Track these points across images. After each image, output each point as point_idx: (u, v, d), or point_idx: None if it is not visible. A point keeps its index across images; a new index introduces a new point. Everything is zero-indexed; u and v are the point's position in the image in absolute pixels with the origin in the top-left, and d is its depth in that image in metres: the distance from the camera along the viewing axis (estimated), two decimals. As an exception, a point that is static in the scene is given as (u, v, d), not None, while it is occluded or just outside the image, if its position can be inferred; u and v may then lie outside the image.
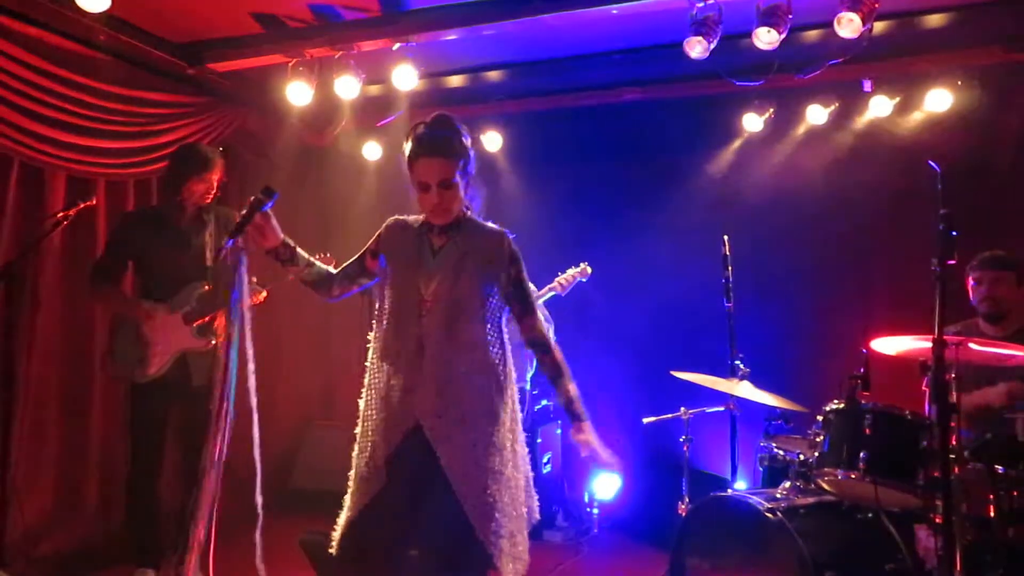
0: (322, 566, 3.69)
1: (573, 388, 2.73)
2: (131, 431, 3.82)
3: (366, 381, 2.67)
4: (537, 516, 2.81)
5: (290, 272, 2.69)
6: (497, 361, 2.63)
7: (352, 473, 2.64)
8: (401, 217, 2.73)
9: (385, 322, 2.65)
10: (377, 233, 2.73)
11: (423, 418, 2.53)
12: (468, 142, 2.61)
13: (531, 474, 2.81)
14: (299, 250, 2.67)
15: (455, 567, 2.53)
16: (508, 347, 2.70)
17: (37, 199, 4.15)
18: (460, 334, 2.57)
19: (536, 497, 2.82)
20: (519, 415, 2.75)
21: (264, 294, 3.87)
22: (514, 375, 2.72)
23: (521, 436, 2.77)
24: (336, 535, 2.60)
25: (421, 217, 2.69)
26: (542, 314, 4.45)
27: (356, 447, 2.65)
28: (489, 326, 2.63)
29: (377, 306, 2.72)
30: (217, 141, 4.88)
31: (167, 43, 4.45)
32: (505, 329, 2.70)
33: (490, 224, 2.70)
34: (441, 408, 2.54)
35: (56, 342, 4.29)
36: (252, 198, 2.48)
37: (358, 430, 2.66)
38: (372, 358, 2.68)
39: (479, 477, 2.52)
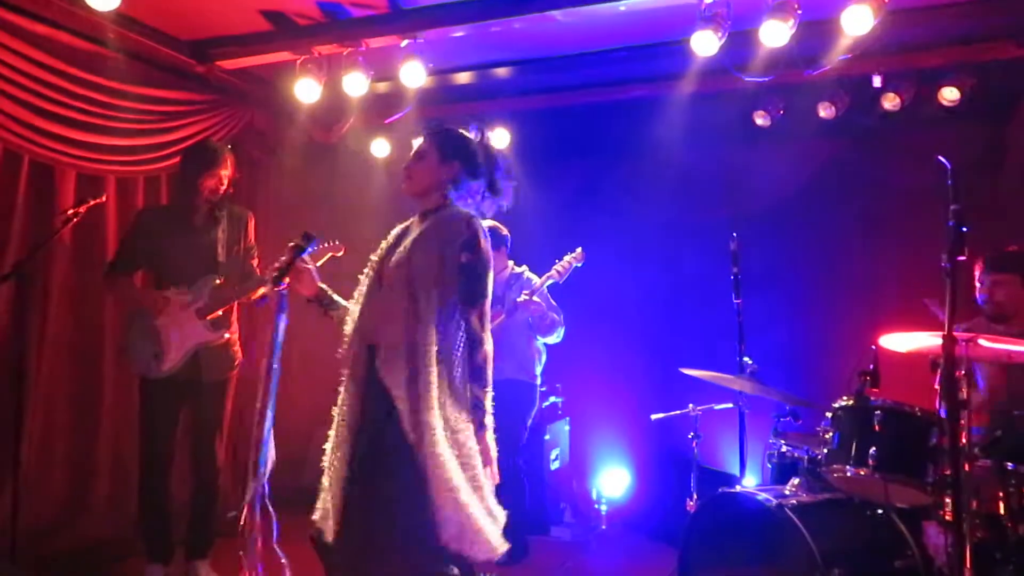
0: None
1: (480, 394, 2.60)
2: (142, 426, 3.84)
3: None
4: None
5: (332, 316, 2.82)
6: (435, 338, 2.55)
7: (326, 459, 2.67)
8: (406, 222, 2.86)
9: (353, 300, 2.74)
10: None
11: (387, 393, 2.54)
12: (458, 142, 2.76)
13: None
14: (335, 296, 2.81)
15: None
16: (457, 329, 2.63)
17: (47, 196, 4.17)
18: (411, 312, 2.55)
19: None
20: (458, 408, 2.59)
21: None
22: (457, 357, 2.62)
23: (461, 426, 2.58)
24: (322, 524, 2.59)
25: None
26: (550, 305, 4.47)
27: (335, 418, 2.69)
28: (441, 308, 2.58)
29: None
30: (226, 138, 4.90)
31: (176, 41, 4.46)
32: (458, 314, 2.64)
33: (464, 210, 2.72)
34: (394, 385, 2.52)
35: (66, 339, 4.31)
36: (292, 244, 2.65)
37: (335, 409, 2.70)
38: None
39: (415, 459, 2.49)
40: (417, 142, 2.81)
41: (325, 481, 2.65)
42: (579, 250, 4.50)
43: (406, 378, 2.52)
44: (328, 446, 2.69)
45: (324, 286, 2.81)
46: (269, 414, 2.58)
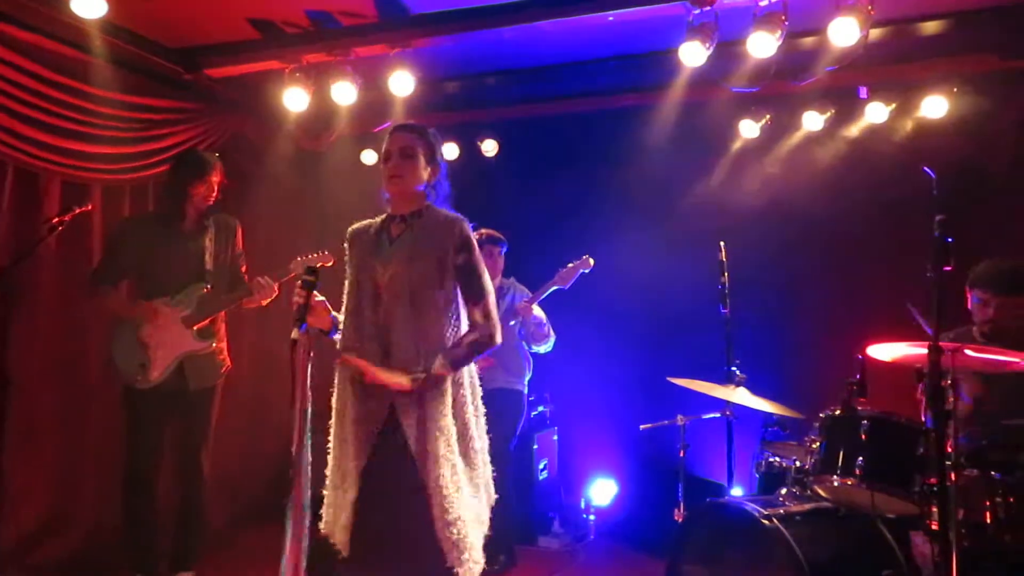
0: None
1: (453, 355, 2.64)
2: (128, 436, 3.81)
3: (336, 376, 2.75)
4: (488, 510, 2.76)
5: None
6: (449, 336, 2.67)
7: (330, 467, 2.72)
8: (361, 223, 2.88)
9: (345, 313, 2.74)
10: (347, 258, 2.86)
11: (396, 401, 2.60)
12: (438, 144, 2.84)
13: (488, 469, 2.77)
14: (339, 316, 2.80)
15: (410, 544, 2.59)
16: (463, 325, 2.74)
17: (32, 204, 4.14)
18: (417, 319, 2.62)
19: (492, 496, 2.78)
20: (471, 405, 2.74)
21: (275, 288, 3.89)
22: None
23: (474, 425, 2.74)
24: (336, 535, 2.65)
25: (382, 217, 2.84)
26: (540, 317, 4.46)
27: (332, 438, 2.73)
28: (446, 311, 2.67)
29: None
30: (214, 147, 4.87)
31: (164, 49, 4.45)
32: (463, 315, 2.74)
33: (449, 212, 2.80)
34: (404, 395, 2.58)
35: (51, 348, 4.27)
36: (301, 281, 2.62)
37: (332, 423, 2.74)
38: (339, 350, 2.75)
39: (429, 461, 2.57)
40: (400, 138, 2.78)
41: (330, 492, 2.69)
42: (586, 256, 4.50)
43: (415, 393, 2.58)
44: (331, 458, 2.72)
45: (335, 314, 2.80)
46: (307, 455, 2.57)
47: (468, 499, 2.62)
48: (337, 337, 2.78)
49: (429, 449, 2.56)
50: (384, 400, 2.61)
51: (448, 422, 2.61)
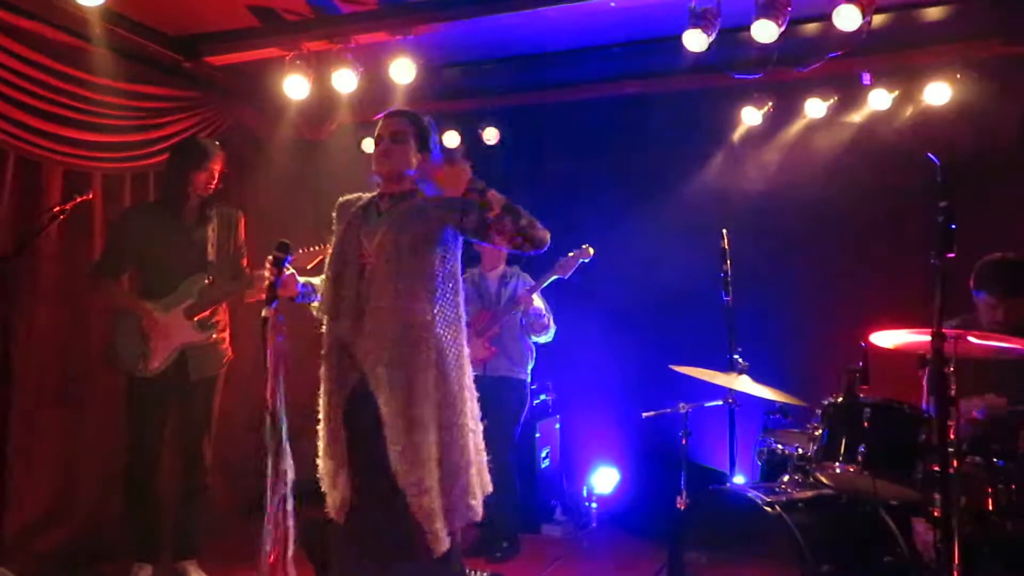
0: (313, 551, 3.68)
1: (515, 207, 2.72)
2: (130, 425, 3.82)
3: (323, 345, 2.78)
4: (486, 484, 2.79)
5: (312, 305, 2.89)
6: (436, 312, 2.68)
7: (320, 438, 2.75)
8: (350, 195, 2.94)
9: (325, 281, 2.79)
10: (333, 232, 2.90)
11: (367, 368, 2.63)
12: (432, 132, 2.87)
13: (480, 441, 2.78)
14: (312, 281, 2.87)
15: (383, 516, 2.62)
16: (459, 302, 2.76)
17: (33, 193, 4.13)
18: (400, 286, 2.64)
19: (484, 463, 2.80)
20: (463, 372, 2.74)
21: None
22: (459, 331, 2.75)
23: (463, 394, 2.73)
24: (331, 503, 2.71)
25: (371, 194, 2.88)
26: (540, 308, 4.46)
27: (320, 403, 2.77)
28: (432, 281, 2.69)
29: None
30: (214, 135, 4.86)
31: (164, 36, 4.43)
32: (457, 282, 2.78)
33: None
34: (382, 358, 2.61)
35: (53, 337, 4.27)
36: (271, 257, 2.67)
37: (320, 390, 2.78)
38: (321, 317, 2.79)
39: (406, 428, 2.58)
40: (392, 123, 2.83)
41: (329, 463, 2.73)
42: (585, 246, 4.49)
43: (388, 360, 2.60)
44: (321, 428, 2.76)
45: (304, 280, 2.85)
46: (285, 439, 2.59)
47: (448, 468, 2.63)
48: (316, 305, 2.84)
49: (408, 414, 2.58)
50: (354, 368, 2.66)
51: (430, 388, 2.62)
